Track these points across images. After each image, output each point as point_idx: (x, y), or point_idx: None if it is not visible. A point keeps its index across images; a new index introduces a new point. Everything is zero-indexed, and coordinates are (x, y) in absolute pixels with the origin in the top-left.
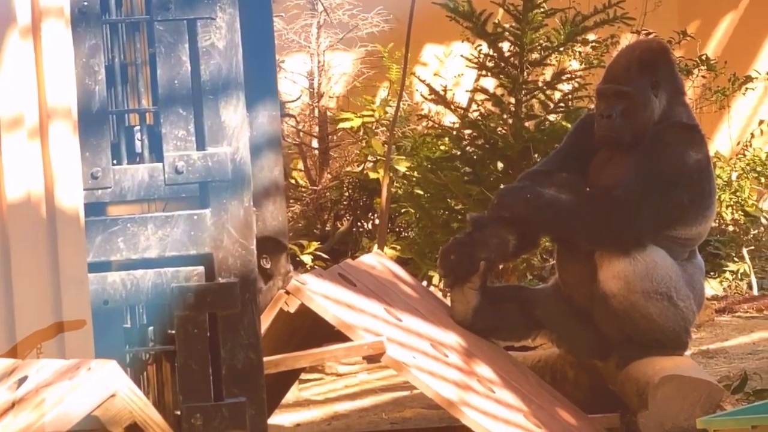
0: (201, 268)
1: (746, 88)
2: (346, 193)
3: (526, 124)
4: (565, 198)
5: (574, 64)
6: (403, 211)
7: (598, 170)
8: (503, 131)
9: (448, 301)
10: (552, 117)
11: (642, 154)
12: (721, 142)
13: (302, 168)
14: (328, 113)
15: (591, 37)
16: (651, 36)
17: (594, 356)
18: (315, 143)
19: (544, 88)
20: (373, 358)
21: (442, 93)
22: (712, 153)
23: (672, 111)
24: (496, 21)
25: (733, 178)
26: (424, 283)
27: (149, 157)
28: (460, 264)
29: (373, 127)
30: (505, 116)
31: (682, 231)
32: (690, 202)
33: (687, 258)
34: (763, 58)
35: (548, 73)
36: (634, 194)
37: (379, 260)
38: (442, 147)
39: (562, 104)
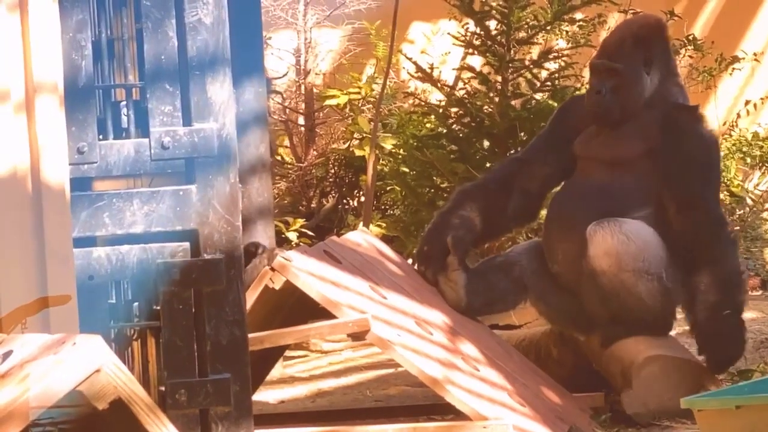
0: (186, 244)
1: (733, 69)
2: (332, 171)
3: (513, 102)
4: None
5: (561, 43)
6: (388, 188)
7: (586, 144)
8: (489, 110)
9: None
10: (538, 96)
11: (660, 138)
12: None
13: (288, 145)
14: (315, 90)
15: (578, 16)
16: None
17: (576, 329)
18: (301, 120)
19: (531, 66)
20: (358, 336)
21: (428, 71)
22: None
23: (665, 90)
24: None
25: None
26: (410, 260)
27: (135, 132)
28: (431, 251)
29: (360, 105)
30: (491, 95)
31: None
32: (717, 177)
33: None
34: (750, 38)
35: (535, 52)
36: (711, 207)
37: (364, 238)
38: (428, 125)
39: (548, 83)
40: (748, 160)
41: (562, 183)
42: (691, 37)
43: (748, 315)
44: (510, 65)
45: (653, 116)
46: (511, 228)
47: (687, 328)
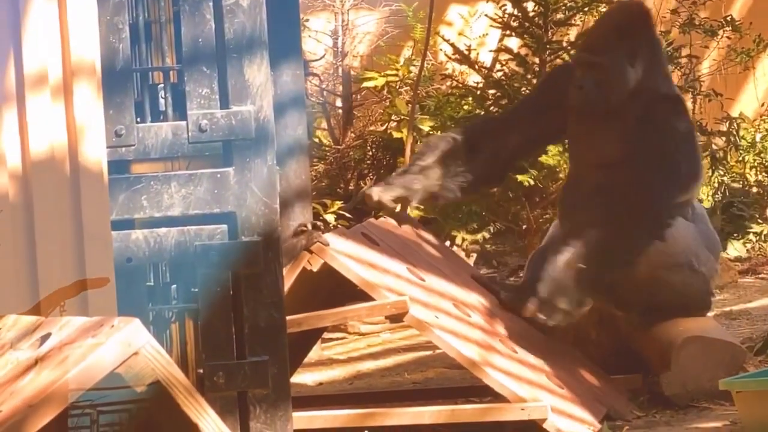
0: (224, 227)
1: None
2: (370, 153)
3: None
4: None
5: None
6: None
7: (575, 143)
8: (527, 91)
9: (471, 261)
10: None
11: (636, 135)
12: (745, 104)
13: (326, 127)
14: (352, 72)
15: None
16: None
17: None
18: (339, 102)
19: (569, 48)
20: (396, 318)
21: (466, 53)
22: (736, 114)
23: (651, 81)
24: None
25: (758, 139)
26: (447, 243)
27: (173, 115)
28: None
29: (397, 87)
30: (529, 76)
31: (683, 197)
32: (687, 170)
33: (692, 214)
34: None
35: (573, 33)
36: (646, 185)
37: None
38: (465, 107)
39: None
40: None
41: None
42: (729, 18)
43: None
44: (548, 47)
45: (636, 109)
46: (470, 190)
47: (725, 309)
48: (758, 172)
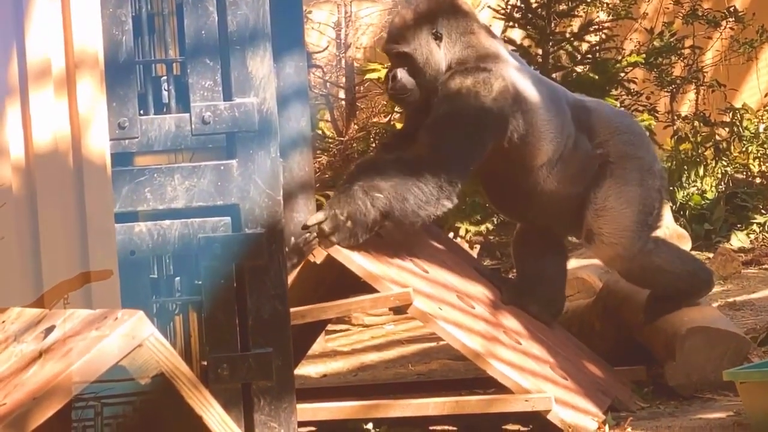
0: (228, 219)
1: None
2: (373, 144)
3: (554, 75)
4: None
5: (601, 16)
6: None
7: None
8: None
9: (474, 253)
10: (579, 68)
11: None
12: (749, 94)
13: (329, 119)
14: (355, 64)
15: None
16: None
17: None
18: (342, 94)
19: (572, 39)
20: (400, 309)
21: None
22: (739, 105)
23: (462, 55)
24: None
25: (761, 129)
26: (451, 234)
27: (176, 107)
28: None
29: None
30: (532, 68)
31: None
32: (458, 135)
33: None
34: None
35: (576, 25)
36: (433, 149)
37: None
38: None
39: (589, 56)
40: None
41: None
42: (732, 9)
43: None
44: (551, 38)
45: (442, 86)
46: None
47: (729, 300)
48: (762, 163)
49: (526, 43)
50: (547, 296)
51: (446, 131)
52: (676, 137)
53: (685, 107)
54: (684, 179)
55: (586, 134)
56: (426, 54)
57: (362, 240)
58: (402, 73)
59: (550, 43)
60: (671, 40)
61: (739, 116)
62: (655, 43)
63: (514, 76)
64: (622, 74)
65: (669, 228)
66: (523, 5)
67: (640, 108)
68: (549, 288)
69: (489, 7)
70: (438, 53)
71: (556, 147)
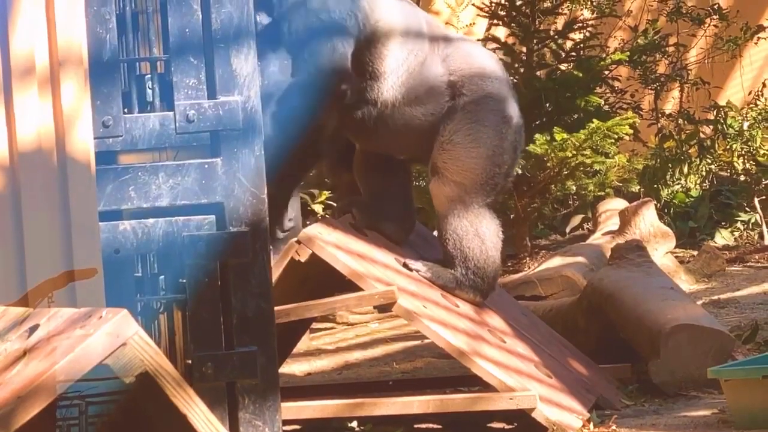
0: (212, 217)
1: (758, 38)
2: None
3: (538, 73)
4: None
5: (585, 13)
6: None
7: None
8: (515, 80)
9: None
10: (563, 66)
11: None
12: (733, 92)
13: None
14: None
15: None
16: None
17: None
18: None
19: (556, 37)
20: (385, 308)
21: None
22: (723, 102)
23: None
24: None
25: (745, 127)
26: (435, 232)
27: (160, 105)
28: None
29: None
30: (516, 65)
31: None
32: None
33: None
34: None
35: (560, 22)
36: None
37: None
38: None
39: (573, 53)
40: None
41: None
42: (716, 7)
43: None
44: (535, 36)
45: None
46: None
47: (713, 297)
48: (746, 161)
49: (510, 40)
50: (398, 213)
51: None
52: (660, 135)
53: (670, 105)
54: (668, 177)
55: (442, 61)
56: None
57: None
58: None
59: (535, 41)
60: (655, 37)
61: (723, 114)
62: (639, 40)
63: None
64: (607, 72)
65: (653, 226)
66: (507, 3)
67: (625, 106)
68: (398, 204)
69: (473, 5)
70: None
71: (401, 57)
